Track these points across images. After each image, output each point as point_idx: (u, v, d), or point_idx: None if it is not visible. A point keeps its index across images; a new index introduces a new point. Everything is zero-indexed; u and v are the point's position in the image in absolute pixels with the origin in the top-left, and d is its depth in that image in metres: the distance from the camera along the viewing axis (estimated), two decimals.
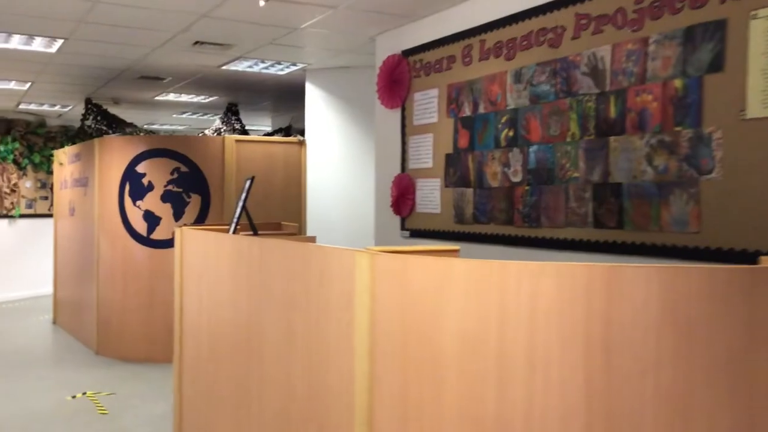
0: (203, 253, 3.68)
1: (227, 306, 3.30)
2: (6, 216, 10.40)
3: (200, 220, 6.69)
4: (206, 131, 9.15)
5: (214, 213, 6.73)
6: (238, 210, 3.65)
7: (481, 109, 4.43)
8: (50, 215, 10.47)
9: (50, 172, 10.75)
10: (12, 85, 8.00)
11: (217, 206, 6.74)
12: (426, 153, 4.97)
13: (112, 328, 6.89)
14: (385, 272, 2.01)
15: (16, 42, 5.84)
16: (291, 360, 2.59)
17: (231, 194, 6.76)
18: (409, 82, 5.14)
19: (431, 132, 4.91)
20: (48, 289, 9.91)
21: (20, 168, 10.59)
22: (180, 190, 6.68)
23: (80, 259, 7.69)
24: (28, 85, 7.99)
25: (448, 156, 4.75)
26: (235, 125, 9.44)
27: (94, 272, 7.10)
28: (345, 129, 6.89)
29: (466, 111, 4.56)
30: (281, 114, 10.88)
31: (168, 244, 6.68)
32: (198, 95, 8.85)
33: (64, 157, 8.40)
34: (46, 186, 10.99)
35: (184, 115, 10.82)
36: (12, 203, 10.45)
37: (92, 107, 9.07)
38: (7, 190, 10.38)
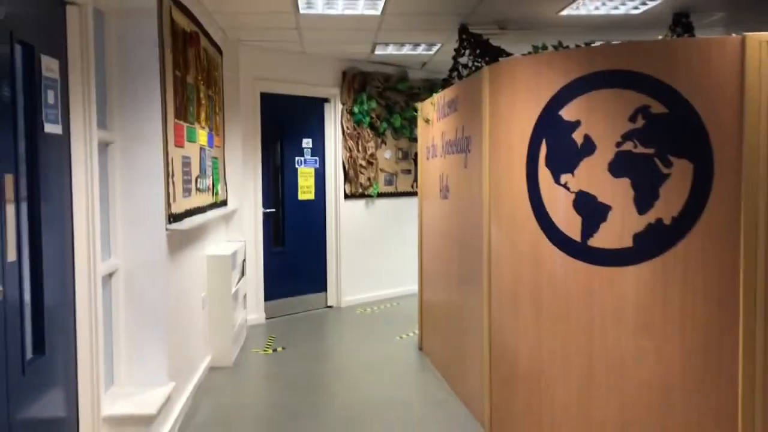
0: None
1: None
2: (362, 195, 8.23)
3: (692, 211, 3.35)
4: None
5: (719, 198, 3.31)
6: None
7: None
8: (414, 193, 8.07)
9: (414, 139, 8.34)
10: (361, 7, 5.51)
11: (727, 183, 3.30)
12: None
13: (517, 398, 3.95)
14: None
15: None
16: None
17: (760, 158, 3.26)
18: None
19: None
20: (413, 287, 7.53)
21: (378, 134, 8.34)
22: (650, 151, 3.40)
23: (457, 264, 4.93)
24: (381, 5, 5.43)
25: None
26: None
27: (481, 292, 4.23)
28: None
29: None
30: (744, 28, 6.93)
31: (624, 258, 3.46)
32: (632, 0, 5.47)
33: (431, 110, 5.72)
34: (408, 157, 8.65)
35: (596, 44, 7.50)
36: (369, 179, 8.24)
37: (468, 39, 6.28)
38: (363, 162, 8.17)
